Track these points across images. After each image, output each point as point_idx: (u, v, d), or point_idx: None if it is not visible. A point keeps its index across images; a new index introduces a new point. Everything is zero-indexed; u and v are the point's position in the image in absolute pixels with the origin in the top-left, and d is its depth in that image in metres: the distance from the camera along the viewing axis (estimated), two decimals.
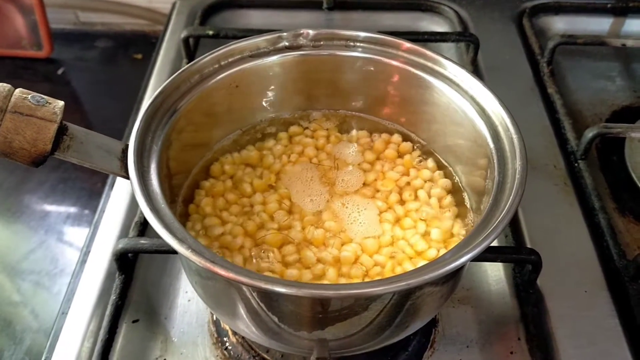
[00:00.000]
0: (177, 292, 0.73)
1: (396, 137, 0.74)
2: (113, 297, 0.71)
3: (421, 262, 0.62)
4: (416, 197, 0.68)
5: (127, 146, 0.57)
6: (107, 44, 1.31)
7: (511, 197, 0.53)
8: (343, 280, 0.61)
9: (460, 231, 0.65)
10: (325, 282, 0.60)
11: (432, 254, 0.62)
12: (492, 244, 0.51)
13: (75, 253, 0.88)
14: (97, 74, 1.24)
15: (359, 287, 0.48)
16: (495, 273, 0.75)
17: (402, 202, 0.68)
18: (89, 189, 1.01)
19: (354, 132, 0.75)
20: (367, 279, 0.61)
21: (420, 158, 0.72)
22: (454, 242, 0.64)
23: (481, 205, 0.62)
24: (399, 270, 0.61)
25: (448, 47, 1.08)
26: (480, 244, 0.50)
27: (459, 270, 0.57)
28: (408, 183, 0.70)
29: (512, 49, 1.06)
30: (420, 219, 0.66)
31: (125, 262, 0.72)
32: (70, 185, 1.01)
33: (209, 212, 0.66)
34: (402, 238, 0.64)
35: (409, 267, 0.61)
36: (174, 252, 0.49)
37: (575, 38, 1.03)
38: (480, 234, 0.51)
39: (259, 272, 0.58)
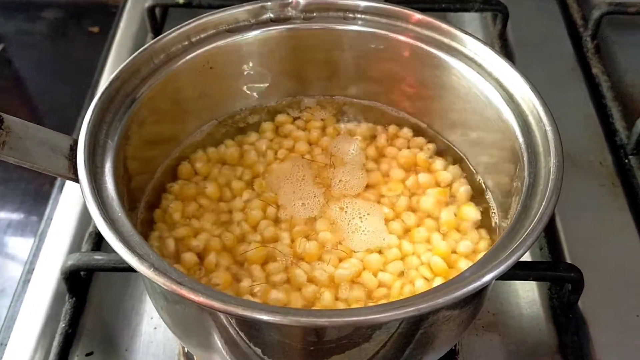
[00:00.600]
0: (141, 318, 0.72)
1: (406, 132, 0.74)
2: (62, 325, 0.70)
3: (436, 281, 0.62)
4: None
5: (75, 142, 0.56)
6: (56, 15, 1.30)
7: (544, 202, 0.53)
8: (341, 305, 0.61)
9: (482, 243, 0.65)
10: (318, 307, 0.60)
11: (450, 271, 0.62)
12: (522, 259, 0.50)
13: (17, 269, 0.87)
14: (44, 51, 1.24)
15: (359, 313, 0.48)
16: (527, 294, 0.75)
17: (412, 208, 0.68)
18: (34, 191, 1.00)
19: (354, 123, 0.75)
20: (370, 303, 0.61)
21: (435, 155, 0.72)
22: (476, 257, 0.64)
23: (509, 212, 0.62)
24: (408, 292, 0.61)
25: (471, 18, 1.08)
26: (507, 259, 0.49)
27: (481, 291, 0.56)
28: (420, 185, 0.70)
29: (549, 20, 1.06)
30: (436, 229, 0.66)
31: (77, 282, 0.72)
32: (12, 188, 1.01)
33: (178, 221, 0.66)
34: (413, 253, 0.64)
35: (420, 287, 0.61)
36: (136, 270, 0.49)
37: (626, 6, 1.02)
38: (507, 247, 0.51)
39: (237, 296, 0.58)
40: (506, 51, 1.01)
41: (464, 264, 0.63)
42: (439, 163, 0.71)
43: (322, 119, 0.76)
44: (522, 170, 0.58)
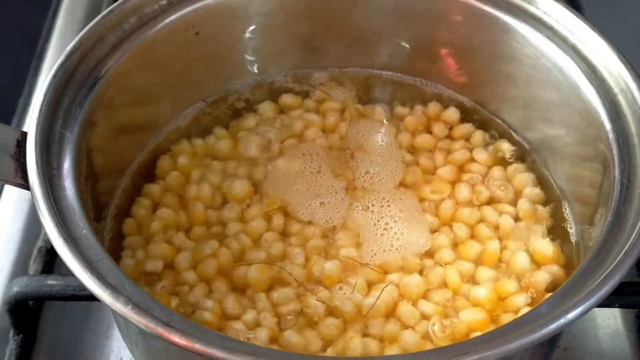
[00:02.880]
0: (107, 358, 0.72)
1: (454, 112, 0.73)
2: None
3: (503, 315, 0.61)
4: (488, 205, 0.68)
5: (24, 136, 0.55)
6: None
7: None
8: (370, 345, 0.59)
9: (556, 262, 0.64)
10: (340, 349, 0.59)
11: (518, 301, 0.61)
12: None
13: None
14: None
15: None
16: (608, 322, 0.74)
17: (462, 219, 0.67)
18: None
19: (382, 105, 0.75)
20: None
21: (490, 144, 0.72)
22: (546, 279, 0.63)
23: (592, 220, 0.61)
24: (461, 329, 0.60)
25: None
26: (596, 291, 0.48)
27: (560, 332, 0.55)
28: (473, 186, 0.69)
29: None
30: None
31: (24, 314, 0.71)
32: None
33: (156, 234, 0.65)
34: (468, 277, 0.64)
35: (475, 319, 0.60)
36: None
37: None
38: (595, 273, 0.50)
39: (237, 339, 0.57)
40: (583, 10, 0.99)
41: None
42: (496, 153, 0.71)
43: (341, 100, 0.76)
44: (612, 168, 0.57)
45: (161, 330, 0.46)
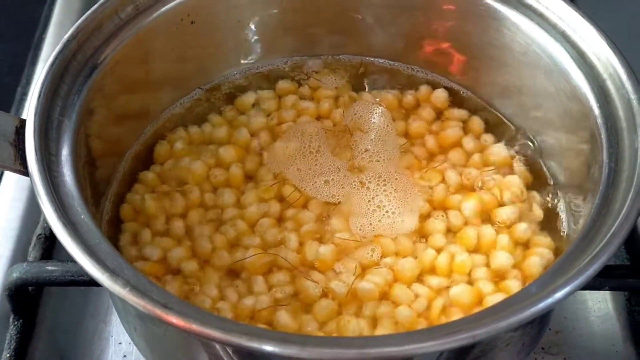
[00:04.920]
0: (106, 343, 0.72)
1: (441, 93, 0.74)
2: (6, 354, 0.70)
3: (489, 297, 0.61)
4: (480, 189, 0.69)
5: (23, 123, 0.56)
6: None
7: (631, 193, 0.53)
8: (365, 328, 0.60)
9: (546, 245, 0.65)
10: (333, 329, 0.60)
11: (512, 284, 0.62)
12: None
13: None
14: None
15: (398, 342, 0.47)
16: (599, 306, 0.74)
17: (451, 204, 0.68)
18: None
19: (376, 91, 0.75)
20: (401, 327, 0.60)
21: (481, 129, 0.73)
22: (537, 263, 0.63)
23: (580, 204, 0.62)
24: (454, 313, 0.61)
25: None
26: (584, 271, 0.49)
27: (549, 310, 0.56)
28: (464, 166, 0.70)
29: None
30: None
31: (23, 300, 0.71)
32: None
33: (153, 219, 0.66)
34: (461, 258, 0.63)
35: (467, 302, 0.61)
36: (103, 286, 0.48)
37: None
38: (583, 254, 0.51)
39: (236, 320, 0.58)
40: None
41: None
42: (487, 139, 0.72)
43: (335, 87, 0.76)
44: (600, 152, 0.58)
45: (159, 312, 0.46)
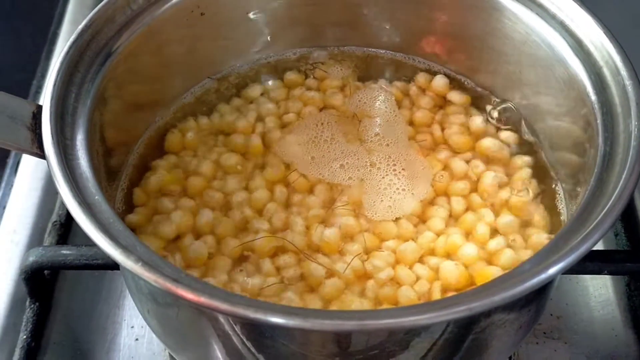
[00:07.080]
0: (119, 327, 0.73)
1: (440, 80, 0.74)
2: (23, 336, 0.71)
3: (489, 274, 0.62)
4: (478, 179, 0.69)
5: (40, 109, 0.57)
6: None
7: (624, 175, 0.53)
8: (367, 305, 0.61)
9: (544, 227, 0.66)
10: (337, 308, 0.61)
11: (506, 260, 0.62)
12: (594, 248, 0.50)
13: None
14: None
15: (396, 314, 0.48)
16: (599, 291, 0.75)
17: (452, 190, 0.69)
18: None
19: (381, 81, 0.76)
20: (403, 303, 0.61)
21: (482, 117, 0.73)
22: (537, 244, 0.64)
23: (577, 188, 0.63)
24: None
25: None
26: (576, 249, 0.50)
27: (545, 288, 0.57)
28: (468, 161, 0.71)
29: None
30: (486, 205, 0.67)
31: (39, 283, 0.73)
32: None
33: (164, 204, 0.67)
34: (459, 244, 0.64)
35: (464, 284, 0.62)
36: (115, 266, 0.49)
37: None
38: (576, 233, 0.51)
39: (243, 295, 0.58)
40: None
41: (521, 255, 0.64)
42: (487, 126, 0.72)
43: (341, 78, 0.77)
44: (596, 136, 0.58)
45: (169, 285, 0.47)
